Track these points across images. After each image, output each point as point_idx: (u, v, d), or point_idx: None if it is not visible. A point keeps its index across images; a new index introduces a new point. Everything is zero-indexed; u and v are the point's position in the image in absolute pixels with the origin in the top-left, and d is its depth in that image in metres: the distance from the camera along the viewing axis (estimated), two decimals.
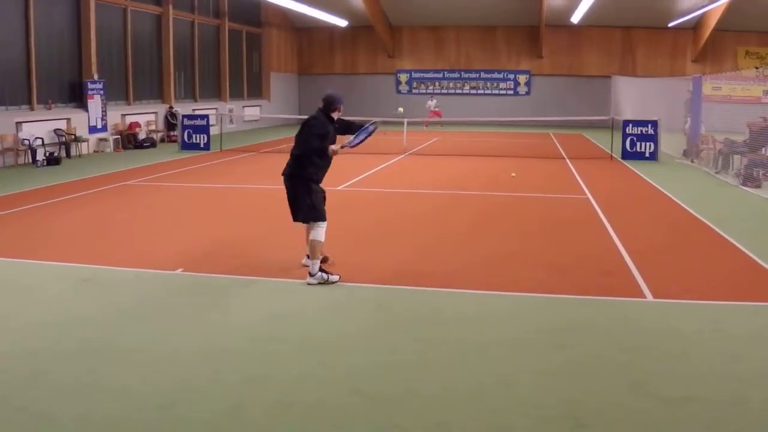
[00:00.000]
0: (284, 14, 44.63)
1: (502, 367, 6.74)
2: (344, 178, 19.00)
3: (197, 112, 30.26)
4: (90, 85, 26.53)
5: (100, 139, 27.19)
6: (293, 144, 9.83)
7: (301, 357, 6.95)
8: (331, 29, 46.01)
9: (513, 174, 19.88)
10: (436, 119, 40.13)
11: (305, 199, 9.63)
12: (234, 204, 15.87)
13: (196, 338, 7.42)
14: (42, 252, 11.00)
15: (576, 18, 40.05)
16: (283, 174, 9.85)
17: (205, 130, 27.41)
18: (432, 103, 42.21)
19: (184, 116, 27.88)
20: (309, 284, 9.39)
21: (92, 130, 26.72)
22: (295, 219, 9.98)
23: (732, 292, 9.30)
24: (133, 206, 15.34)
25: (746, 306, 8.75)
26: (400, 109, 15.94)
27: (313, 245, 9.57)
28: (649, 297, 8.93)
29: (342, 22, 43.27)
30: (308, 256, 9.79)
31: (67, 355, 6.88)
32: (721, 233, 12.76)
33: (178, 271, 9.93)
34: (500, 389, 6.22)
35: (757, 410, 5.87)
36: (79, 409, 5.74)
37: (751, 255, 11.06)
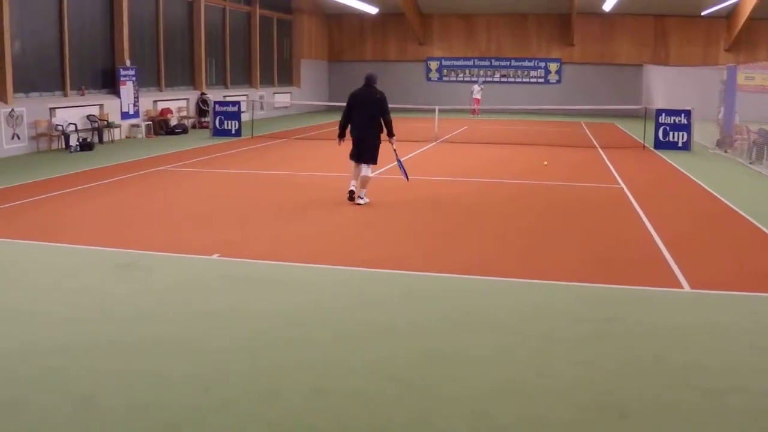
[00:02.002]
0: (315, 1, 44.68)
1: (542, 357, 6.75)
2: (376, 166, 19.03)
3: (228, 99, 30.31)
4: (122, 72, 26.66)
5: (133, 125, 27.29)
6: (366, 111, 13.97)
7: (337, 344, 6.99)
8: (362, 16, 45.99)
9: (545, 162, 19.84)
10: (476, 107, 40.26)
11: (374, 149, 14.01)
12: (267, 190, 15.93)
13: (232, 324, 7.48)
14: (77, 236, 11.10)
15: (608, 6, 39.82)
16: (354, 132, 14.06)
17: (236, 116, 27.49)
18: (476, 88, 42.01)
19: (215, 102, 27.95)
20: (359, 204, 13.69)
21: (124, 116, 26.86)
22: (359, 161, 14.02)
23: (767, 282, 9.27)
24: (166, 192, 15.48)
25: None
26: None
27: (365, 179, 13.94)
28: (687, 287, 8.90)
29: (372, 9, 43.26)
30: (353, 191, 13.97)
31: (104, 341, 6.96)
32: (756, 223, 12.70)
33: (215, 256, 9.99)
34: (540, 379, 6.22)
35: None
36: (120, 394, 5.80)
37: None
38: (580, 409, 5.66)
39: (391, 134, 14.05)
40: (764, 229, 12.31)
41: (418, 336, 7.20)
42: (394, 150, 14.44)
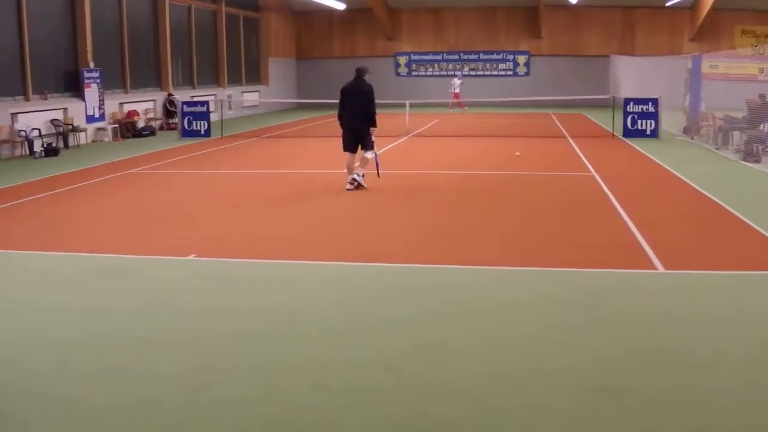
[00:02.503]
0: None
1: (532, 343, 6.84)
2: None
3: (196, 99, 30.10)
4: (86, 74, 26.20)
5: (98, 129, 26.90)
6: (356, 103, 14.91)
7: (330, 340, 7.02)
8: (330, 13, 45.97)
9: (517, 153, 19.97)
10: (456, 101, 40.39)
11: (368, 137, 15.03)
12: (240, 189, 15.91)
13: (218, 322, 7.50)
14: (51, 242, 10.97)
15: None
16: (348, 122, 15.12)
17: (205, 116, 27.25)
18: (457, 82, 42.00)
19: (183, 103, 27.76)
20: (355, 178, 14.87)
21: (90, 119, 26.39)
22: (353, 150, 15.09)
23: (740, 262, 9.46)
24: (137, 194, 15.39)
25: (755, 275, 8.92)
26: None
27: (366, 160, 15.14)
28: (661, 269, 9.05)
29: (340, 6, 43.23)
30: (353, 180, 14.92)
31: (91, 342, 6.97)
32: (724, 205, 12.90)
33: (191, 257, 9.96)
34: (532, 365, 6.31)
35: None
36: (111, 393, 5.82)
37: (756, 227, 11.17)
38: (575, 391, 5.75)
39: (373, 125, 14.99)
40: (733, 210, 12.51)
41: (410, 329, 7.24)
42: (372, 141, 15.16)
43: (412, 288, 8.61)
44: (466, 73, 46.05)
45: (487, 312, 7.69)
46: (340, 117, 15.41)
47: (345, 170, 15.25)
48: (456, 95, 40.97)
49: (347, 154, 15.17)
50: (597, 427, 5.20)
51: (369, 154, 15.19)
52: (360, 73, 15.27)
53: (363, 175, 15.07)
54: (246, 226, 11.98)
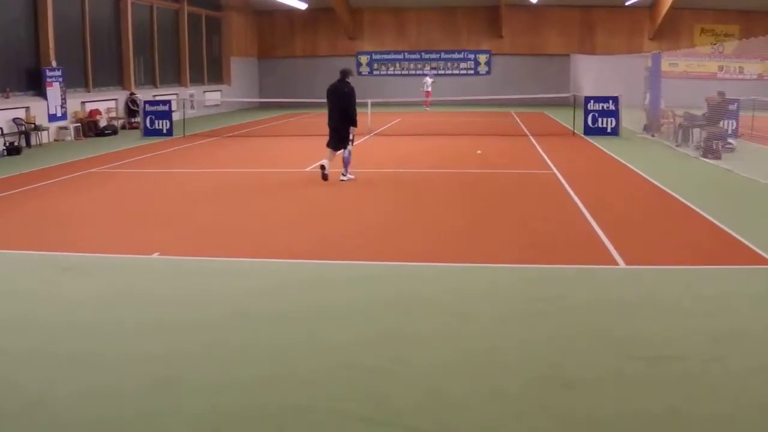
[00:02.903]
0: None
1: (489, 334, 6.94)
2: (311, 159, 19.14)
3: (158, 98, 29.92)
4: (48, 73, 25.97)
5: (61, 128, 26.69)
6: (336, 103, 15.65)
7: (288, 331, 7.09)
8: (291, 12, 45.83)
9: (478, 151, 20.09)
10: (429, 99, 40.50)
11: (347, 134, 15.55)
12: (202, 188, 15.83)
13: (185, 315, 7.56)
14: (14, 242, 10.92)
15: None
16: (330, 122, 15.89)
17: (167, 115, 27.16)
18: (428, 81, 41.90)
19: (146, 102, 27.63)
20: (342, 180, 15.47)
21: (52, 118, 26.18)
22: (336, 148, 15.78)
23: (700, 257, 9.61)
24: (100, 193, 15.28)
25: (714, 270, 9.06)
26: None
27: (346, 159, 15.61)
28: (622, 264, 9.16)
29: (302, 5, 43.13)
30: (323, 166, 15.43)
31: (61, 338, 7.00)
32: (684, 201, 13.08)
33: (155, 255, 9.94)
34: (488, 355, 6.41)
35: (730, 365, 6.12)
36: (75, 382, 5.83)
37: (716, 222, 11.34)
38: (529, 380, 5.85)
39: (353, 123, 15.67)
40: (692, 206, 12.70)
41: (368, 320, 7.34)
42: (351, 140, 15.73)
43: (369, 281, 8.73)
44: (428, 72, 46.20)
45: (445, 304, 7.80)
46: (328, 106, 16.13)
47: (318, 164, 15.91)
48: (428, 93, 40.99)
49: (328, 149, 15.88)
50: (547, 413, 5.30)
51: (345, 152, 15.65)
52: (343, 74, 15.89)
53: (347, 174, 15.73)
54: (209, 224, 11.93)
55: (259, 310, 7.66)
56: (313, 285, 8.60)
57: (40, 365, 6.29)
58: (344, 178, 15.64)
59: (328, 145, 15.92)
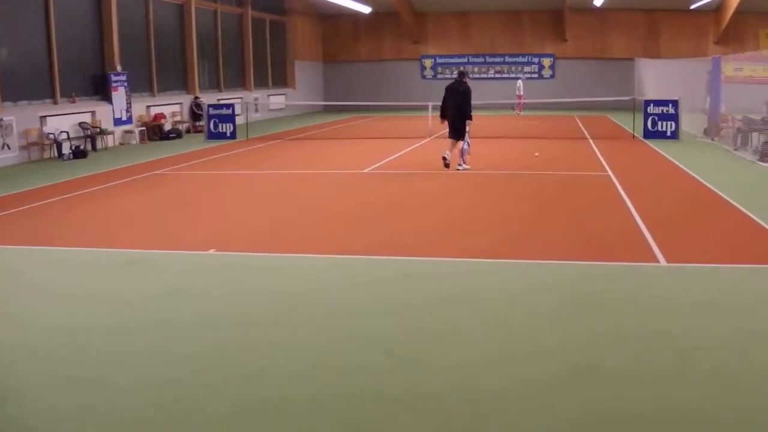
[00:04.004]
0: (308, 2, 44.91)
1: (529, 328, 7.22)
2: (372, 160, 19.51)
3: (222, 102, 30.49)
4: (114, 77, 26.55)
5: (126, 131, 27.30)
6: (453, 100, 17.70)
7: (331, 324, 7.44)
8: (356, 16, 46.33)
9: (536, 154, 20.19)
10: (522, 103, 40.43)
11: (463, 127, 17.52)
12: (264, 189, 16.31)
13: (228, 308, 7.94)
14: (80, 239, 11.44)
15: (599, 1, 40.22)
16: (449, 116, 17.85)
17: (230, 119, 27.61)
18: (520, 84, 41.81)
19: (209, 106, 28.15)
20: (458, 170, 17.47)
21: (117, 122, 26.78)
22: (456, 138, 17.70)
23: (744, 257, 9.69)
24: (165, 193, 15.82)
25: (756, 268, 9.16)
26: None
27: (464, 150, 17.68)
28: (663, 262, 9.32)
29: (366, 9, 43.57)
30: (444, 157, 17.61)
31: (115, 329, 7.38)
32: (736, 204, 13.10)
33: (211, 251, 10.35)
34: (529, 348, 6.68)
35: (760, 360, 6.31)
36: (132, 373, 6.25)
37: (763, 224, 11.39)
38: (564, 370, 6.10)
39: (468, 117, 17.62)
40: (740, 207, 12.76)
41: (413, 314, 7.66)
42: (467, 131, 17.77)
43: (421, 278, 9.01)
44: (492, 75, 46.28)
45: (489, 300, 8.06)
46: (442, 109, 18.24)
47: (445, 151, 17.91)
48: (520, 97, 40.80)
49: (450, 140, 17.97)
50: (583, 402, 5.52)
51: (464, 145, 17.71)
52: (461, 75, 18.39)
53: (463, 164, 17.72)
54: (268, 222, 12.36)
55: (310, 305, 8.02)
56: (367, 281, 8.93)
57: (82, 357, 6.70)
58: (460, 168, 17.60)
59: (450, 136, 17.89)
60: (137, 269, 9.61)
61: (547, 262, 9.57)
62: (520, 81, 42.13)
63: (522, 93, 40.67)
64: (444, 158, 17.55)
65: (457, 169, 17.48)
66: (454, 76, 45.11)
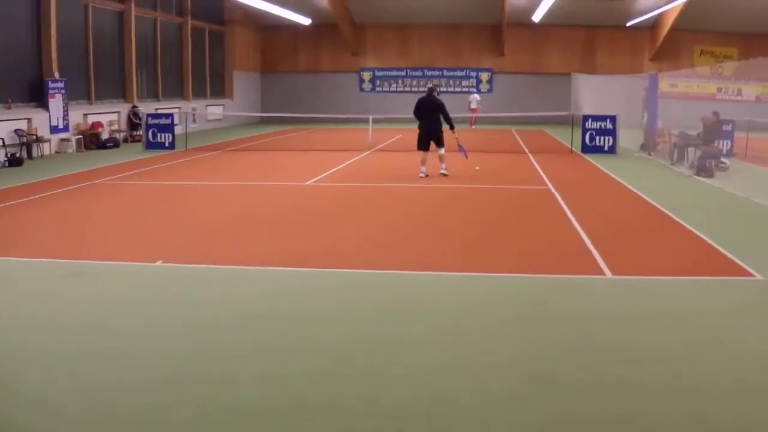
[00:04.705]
0: (247, 12, 44.59)
1: (482, 339, 7.24)
2: (314, 173, 19.45)
3: (160, 111, 30.14)
4: (51, 84, 26.11)
5: (62, 140, 26.81)
6: (427, 112, 18.82)
7: (287, 331, 7.41)
8: (295, 27, 46.19)
9: (477, 167, 20.29)
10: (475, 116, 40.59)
11: (440, 136, 18.85)
12: (207, 200, 16.13)
13: (186, 316, 7.89)
14: (20, 249, 11.13)
15: (537, 17, 40.71)
16: (424, 126, 18.89)
17: (169, 129, 27.32)
18: (476, 97, 42.25)
19: (148, 115, 27.79)
20: (443, 174, 18.88)
21: (54, 130, 26.30)
22: (427, 149, 18.73)
23: (687, 269, 9.85)
24: (107, 204, 15.51)
25: (699, 280, 9.32)
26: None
27: (442, 156, 18.95)
28: (608, 274, 9.45)
29: (305, 21, 43.52)
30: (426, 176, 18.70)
31: (66, 350, 7.29)
32: (676, 218, 13.33)
33: (158, 262, 10.20)
34: (482, 357, 6.71)
35: (706, 367, 6.45)
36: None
37: (703, 236, 11.64)
38: (520, 381, 6.16)
39: (452, 127, 18.94)
40: (680, 221, 13.02)
41: (366, 323, 7.67)
42: (456, 138, 19.37)
43: (369, 288, 9.02)
44: (473, 90, 46.43)
45: (440, 310, 8.08)
46: (416, 115, 19.11)
47: (420, 164, 18.95)
48: (473, 110, 40.95)
49: (421, 152, 18.81)
50: (534, 412, 5.56)
51: (441, 151, 18.88)
52: (430, 91, 19.32)
53: (444, 169, 19.00)
54: (211, 234, 12.21)
55: (259, 314, 7.95)
56: (314, 290, 8.90)
57: (48, 363, 6.58)
58: (444, 171, 18.99)
59: (420, 148, 18.85)
60: (84, 279, 9.42)
61: (493, 274, 9.59)
62: (475, 95, 42.62)
63: (476, 107, 41.04)
64: (423, 176, 18.67)
65: (442, 173, 18.86)
66: (393, 89, 45.90)
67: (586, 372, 6.30)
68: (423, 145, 18.84)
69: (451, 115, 19.11)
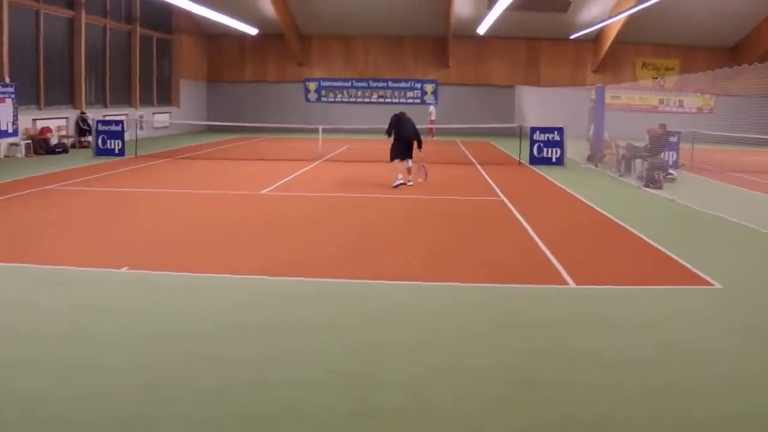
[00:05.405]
0: (195, 21, 44.60)
1: (458, 346, 7.48)
2: (267, 182, 19.58)
3: (108, 118, 29.99)
4: (1, 89, 26.04)
5: (11, 144, 26.71)
6: (405, 126, 19.84)
7: (270, 340, 7.56)
8: (242, 37, 46.27)
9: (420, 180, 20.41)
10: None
11: (411, 150, 19.84)
12: (166, 207, 16.13)
13: (167, 325, 7.97)
14: None
15: (482, 29, 41.23)
16: (402, 138, 19.73)
17: (119, 135, 27.21)
18: (433, 110, 43.13)
19: (98, 122, 27.67)
20: (409, 185, 19.71)
21: (3, 134, 26.23)
22: (404, 157, 19.77)
23: (646, 278, 10.20)
24: (62, 210, 15.44)
25: (660, 289, 9.68)
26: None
27: (411, 168, 19.97)
28: (572, 284, 9.76)
29: (252, 30, 43.56)
30: (403, 184, 19.59)
31: (43, 349, 7.33)
32: (627, 227, 13.82)
33: (124, 269, 10.24)
34: (460, 364, 6.95)
35: (678, 368, 6.78)
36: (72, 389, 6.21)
37: (661, 248, 12.02)
38: (504, 385, 6.42)
39: (420, 146, 20.16)
40: (635, 231, 13.45)
41: (343, 332, 7.82)
42: (422, 158, 20.64)
43: (341, 297, 9.15)
44: (375, 100, 46.77)
45: (413, 319, 8.27)
46: (389, 133, 20.03)
47: (397, 174, 19.63)
48: (432, 122, 41.62)
49: (396, 161, 19.79)
50: (520, 415, 5.82)
51: (410, 162, 19.98)
52: (402, 114, 20.35)
53: (410, 181, 19.94)
54: (174, 240, 12.24)
55: (236, 322, 8.05)
56: (287, 299, 9.01)
57: (28, 371, 6.65)
58: (410, 182, 19.89)
59: (398, 158, 19.78)
60: (48, 286, 9.44)
61: (460, 284, 9.76)
62: (432, 107, 43.31)
63: (434, 118, 41.58)
64: (399, 185, 19.43)
65: (409, 184, 19.81)
66: (338, 99, 46.23)
67: (565, 376, 6.57)
68: (401, 155, 19.82)
69: (417, 126, 20.16)
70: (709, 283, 9.86)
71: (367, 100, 47.41)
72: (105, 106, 35.45)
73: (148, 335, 7.57)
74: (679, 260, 11.12)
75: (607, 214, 15.29)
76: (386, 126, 19.90)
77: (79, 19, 32.26)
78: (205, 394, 6.12)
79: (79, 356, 6.94)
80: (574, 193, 18.47)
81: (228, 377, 6.49)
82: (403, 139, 19.89)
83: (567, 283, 9.80)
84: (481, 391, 6.27)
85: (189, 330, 7.75)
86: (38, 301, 8.75)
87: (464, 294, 9.41)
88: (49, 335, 7.52)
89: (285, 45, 46.15)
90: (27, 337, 7.48)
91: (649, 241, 12.55)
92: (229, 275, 10.03)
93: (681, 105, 43.02)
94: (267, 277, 9.97)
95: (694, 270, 10.50)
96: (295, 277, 10.01)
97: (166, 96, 43.25)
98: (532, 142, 26.00)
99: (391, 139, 19.94)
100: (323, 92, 48.12)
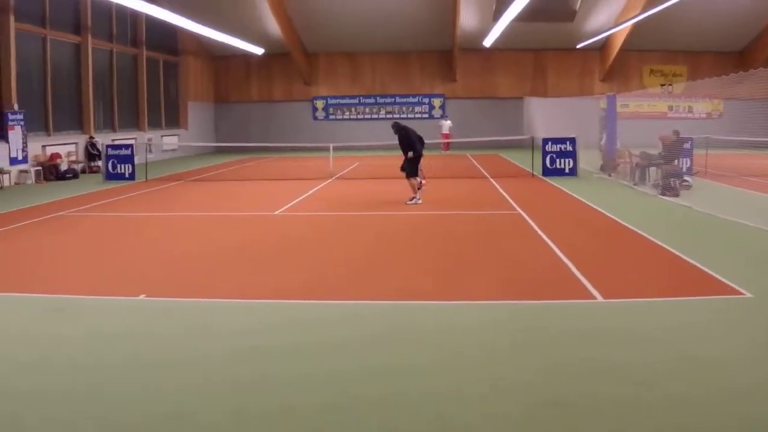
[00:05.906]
0: (200, 42, 44.61)
1: (484, 365, 7.28)
2: (280, 203, 19.45)
3: (117, 142, 30.03)
4: (10, 116, 26.07)
5: (22, 171, 26.74)
6: (417, 143, 19.64)
7: (289, 364, 7.37)
8: (248, 57, 46.27)
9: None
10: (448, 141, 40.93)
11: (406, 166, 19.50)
12: (179, 231, 15.97)
13: (183, 349, 7.79)
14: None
15: (488, 42, 41.16)
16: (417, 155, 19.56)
17: (129, 159, 27.26)
18: (447, 123, 42.92)
19: (107, 146, 27.70)
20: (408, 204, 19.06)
21: (13, 161, 26.27)
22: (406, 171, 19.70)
23: (674, 290, 9.97)
24: (75, 236, 15.31)
25: (690, 300, 9.48)
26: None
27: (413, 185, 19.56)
28: (600, 298, 9.56)
29: (258, 50, 43.55)
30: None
31: (61, 389, 7.15)
32: (648, 237, 13.64)
33: (141, 296, 10.11)
34: (486, 383, 6.74)
35: (715, 387, 6.54)
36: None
37: (687, 258, 11.81)
38: (530, 405, 6.20)
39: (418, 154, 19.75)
40: (657, 241, 13.23)
41: (366, 354, 7.67)
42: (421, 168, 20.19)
43: (357, 318, 9.00)
44: (383, 116, 46.64)
45: (437, 339, 8.09)
46: (416, 149, 19.56)
47: (416, 190, 19.56)
48: (446, 136, 41.46)
49: (414, 178, 19.56)
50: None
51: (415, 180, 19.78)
52: (398, 123, 20.22)
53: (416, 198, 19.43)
54: (192, 266, 12.11)
55: (255, 346, 7.89)
56: (305, 322, 8.85)
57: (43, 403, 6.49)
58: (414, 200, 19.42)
59: (414, 174, 19.54)
60: (67, 316, 9.28)
61: (482, 302, 9.58)
62: (446, 121, 43.17)
63: (448, 132, 41.44)
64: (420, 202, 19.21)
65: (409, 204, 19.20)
66: (346, 116, 46.30)
67: (596, 394, 6.39)
68: (414, 171, 19.56)
69: (426, 141, 20.31)
70: (739, 293, 9.65)
71: (375, 116, 47.30)
72: (114, 130, 35.45)
73: (171, 362, 7.43)
74: (705, 269, 10.93)
75: (627, 224, 15.10)
76: (398, 141, 19.58)
77: (86, 44, 32.30)
78: (226, 420, 5.97)
79: (94, 383, 6.78)
80: (591, 204, 18.29)
81: (250, 402, 6.35)
82: (417, 154, 19.60)
83: (594, 297, 9.60)
84: (508, 411, 6.09)
85: (206, 356, 7.59)
86: (57, 331, 8.61)
87: (485, 311, 9.21)
88: (64, 366, 7.37)
89: (291, 64, 46.13)
90: (39, 369, 7.31)
91: (673, 250, 12.37)
92: (246, 300, 9.90)
93: (690, 111, 42.93)
94: (285, 301, 9.83)
95: (723, 279, 10.30)
96: (313, 300, 9.84)
97: (174, 118, 43.22)
98: (545, 153, 25.86)
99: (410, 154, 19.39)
100: (331, 110, 48.06)
